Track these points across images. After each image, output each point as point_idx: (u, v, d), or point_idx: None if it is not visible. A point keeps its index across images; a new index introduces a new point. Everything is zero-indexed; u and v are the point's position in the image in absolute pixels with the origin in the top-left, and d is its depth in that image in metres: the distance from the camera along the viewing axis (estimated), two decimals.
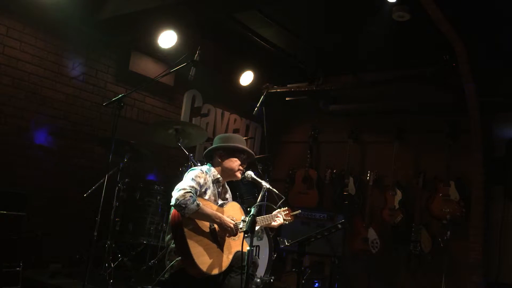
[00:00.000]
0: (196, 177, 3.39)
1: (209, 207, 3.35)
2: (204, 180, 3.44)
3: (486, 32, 4.88)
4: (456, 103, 5.78)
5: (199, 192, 3.37)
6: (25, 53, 4.94)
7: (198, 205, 3.21)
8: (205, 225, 3.33)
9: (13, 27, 4.84)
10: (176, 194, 3.20)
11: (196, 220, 3.28)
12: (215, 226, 3.35)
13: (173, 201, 3.19)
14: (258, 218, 3.46)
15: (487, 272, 5.54)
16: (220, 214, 3.35)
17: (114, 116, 4.19)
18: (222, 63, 6.54)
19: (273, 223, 3.65)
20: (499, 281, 5.57)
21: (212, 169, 3.60)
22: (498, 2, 4.44)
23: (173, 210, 3.28)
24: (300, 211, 3.93)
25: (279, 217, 3.66)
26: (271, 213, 3.70)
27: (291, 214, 3.76)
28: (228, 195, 3.78)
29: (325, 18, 5.54)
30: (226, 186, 3.79)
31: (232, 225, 3.35)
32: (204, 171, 3.49)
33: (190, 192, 3.20)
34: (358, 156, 7.00)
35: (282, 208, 3.72)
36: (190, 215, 3.20)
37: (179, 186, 3.26)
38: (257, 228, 3.44)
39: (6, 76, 4.80)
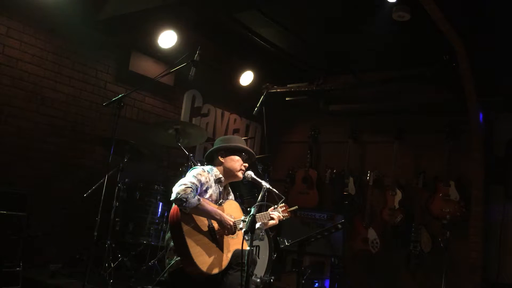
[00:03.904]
0: (198, 174, 3.40)
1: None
2: (206, 178, 3.45)
3: (486, 32, 4.88)
4: (456, 103, 5.78)
5: (200, 190, 3.38)
6: (25, 53, 4.94)
7: (198, 199, 3.24)
8: (204, 224, 3.33)
9: (13, 27, 4.84)
10: (176, 188, 3.22)
11: (195, 218, 3.29)
12: (214, 224, 3.36)
13: (173, 196, 3.20)
14: (257, 216, 3.47)
15: (487, 272, 5.54)
16: (220, 211, 3.37)
17: (114, 116, 4.19)
18: (222, 63, 6.54)
19: (271, 222, 3.65)
20: (499, 281, 5.57)
21: (214, 169, 3.61)
22: (497, 2, 4.44)
23: (172, 208, 3.29)
24: (297, 207, 3.95)
25: (275, 213, 3.67)
26: (267, 211, 3.70)
27: (288, 210, 3.78)
28: (231, 197, 3.77)
29: (325, 18, 5.53)
30: (229, 188, 3.79)
31: (231, 223, 3.36)
32: (206, 170, 3.51)
33: (190, 187, 3.23)
34: (358, 156, 7.00)
35: (279, 205, 3.72)
36: (190, 210, 3.22)
37: (180, 181, 3.29)
38: (257, 225, 3.45)
39: (6, 76, 4.80)
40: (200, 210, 3.27)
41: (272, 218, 3.64)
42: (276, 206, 3.71)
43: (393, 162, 6.39)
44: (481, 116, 5.40)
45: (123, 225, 4.88)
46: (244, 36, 5.99)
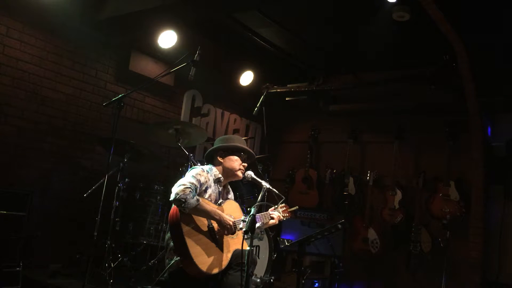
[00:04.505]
0: (197, 174, 3.41)
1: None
2: (205, 178, 3.46)
3: (486, 32, 4.88)
4: (456, 103, 5.78)
5: (199, 190, 3.38)
6: (25, 53, 4.94)
7: (198, 200, 3.24)
8: (203, 224, 3.33)
9: (13, 27, 4.84)
10: (175, 189, 3.22)
11: (194, 218, 3.29)
12: (214, 224, 3.36)
13: (172, 196, 3.21)
14: (257, 216, 3.47)
15: (487, 272, 5.54)
16: (219, 211, 3.37)
17: (114, 116, 4.19)
18: (222, 63, 6.53)
19: (271, 221, 3.65)
20: (499, 281, 5.57)
21: (214, 168, 3.61)
22: (498, 2, 4.44)
23: (171, 208, 3.29)
24: (297, 207, 3.95)
25: (275, 213, 3.68)
26: (268, 211, 3.70)
27: (289, 210, 3.78)
28: (231, 196, 3.78)
29: (325, 18, 5.53)
30: (229, 187, 3.79)
31: (231, 223, 3.37)
32: (206, 170, 3.52)
33: (189, 188, 3.23)
34: (358, 156, 7.00)
35: (280, 205, 3.73)
36: (189, 210, 3.22)
37: (179, 182, 3.29)
38: (257, 225, 3.46)
39: (6, 76, 4.80)
40: (199, 211, 3.27)
41: (272, 218, 3.66)
42: (276, 206, 3.71)
43: (393, 162, 6.39)
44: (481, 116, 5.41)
45: (123, 225, 4.88)
46: (244, 36, 5.99)
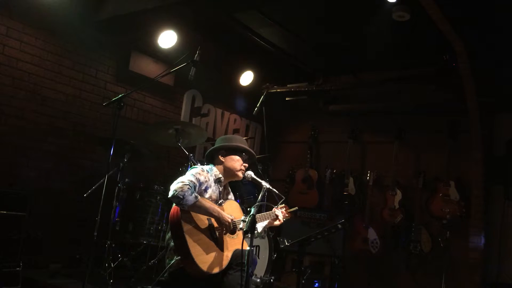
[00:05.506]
0: (197, 173, 3.40)
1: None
2: (205, 178, 3.45)
3: (486, 32, 4.88)
4: (456, 103, 5.79)
5: (199, 190, 3.38)
6: (25, 53, 4.94)
7: (196, 197, 3.23)
8: (204, 223, 3.33)
9: (13, 27, 4.84)
10: (174, 186, 3.21)
11: (195, 218, 3.29)
12: (213, 222, 3.36)
13: (170, 193, 3.19)
14: (257, 216, 3.47)
15: (487, 272, 5.54)
16: (218, 209, 3.38)
17: (114, 116, 4.19)
18: (222, 63, 6.54)
19: (276, 222, 3.65)
20: (499, 281, 5.57)
21: (214, 168, 3.61)
22: (498, 2, 4.44)
23: (172, 207, 3.29)
24: (297, 208, 3.95)
25: (277, 214, 3.67)
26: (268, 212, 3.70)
27: (288, 211, 3.78)
28: (230, 197, 3.77)
29: (325, 18, 5.54)
30: (229, 188, 3.79)
31: (229, 220, 3.37)
32: (206, 170, 3.51)
33: (188, 185, 3.22)
34: (358, 156, 7.00)
35: (280, 205, 3.72)
36: (188, 207, 3.21)
37: (178, 179, 3.28)
38: (263, 225, 3.46)
39: (6, 76, 4.80)
40: (198, 207, 3.27)
41: (277, 217, 3.64)
42: (276, 206, 3.70)
43: (393, 162, 6.39)
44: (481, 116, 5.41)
45: (123, 225, 4.88)
46: (244, 36, 6.00)
